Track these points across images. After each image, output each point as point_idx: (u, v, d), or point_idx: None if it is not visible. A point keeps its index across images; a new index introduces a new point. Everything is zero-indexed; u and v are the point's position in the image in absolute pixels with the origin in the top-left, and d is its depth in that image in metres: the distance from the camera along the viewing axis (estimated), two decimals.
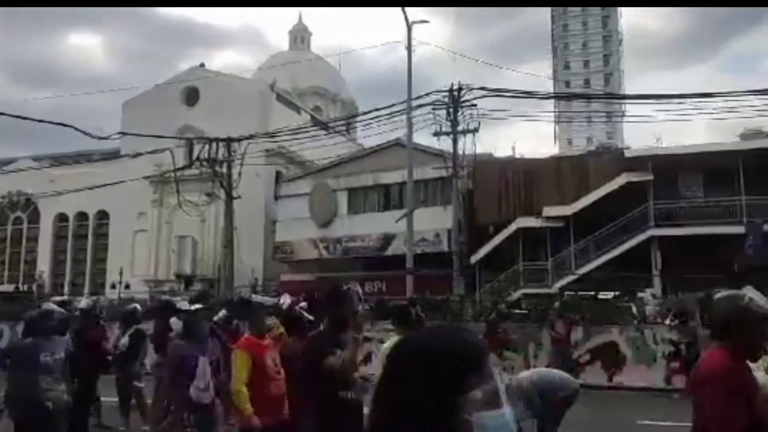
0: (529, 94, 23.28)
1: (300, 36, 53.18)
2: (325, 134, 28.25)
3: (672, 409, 8.86)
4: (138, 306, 9.54)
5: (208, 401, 5.18)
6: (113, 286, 30.77)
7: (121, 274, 30.49)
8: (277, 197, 31.12)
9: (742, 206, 21.50)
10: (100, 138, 20.18)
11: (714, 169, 22.10)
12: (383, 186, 27.86)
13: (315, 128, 28.43)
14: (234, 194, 23.44)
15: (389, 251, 26.01)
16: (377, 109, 22.24)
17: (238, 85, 34.81)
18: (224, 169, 23.62)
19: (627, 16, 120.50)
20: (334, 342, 3.62)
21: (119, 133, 24.95)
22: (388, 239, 26.53)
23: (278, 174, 32.70)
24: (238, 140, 23.71)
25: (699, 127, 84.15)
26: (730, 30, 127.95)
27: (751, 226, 20.40)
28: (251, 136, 23.94)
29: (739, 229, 20.63)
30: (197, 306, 5.73)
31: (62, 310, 5.79)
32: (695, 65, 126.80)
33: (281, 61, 44.64)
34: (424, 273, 20.03)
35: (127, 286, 29.69)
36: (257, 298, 5.13)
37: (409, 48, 20.16)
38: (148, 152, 24.45)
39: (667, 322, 13.96)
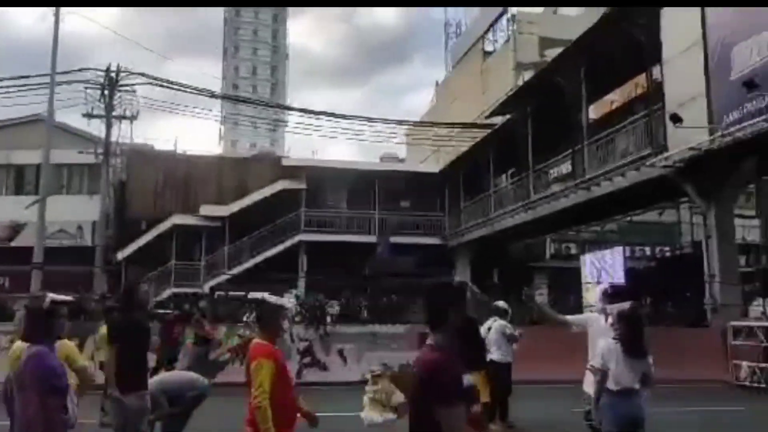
0: (197, 91, 23.12)
1: None
2: None
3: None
4: None
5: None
6: None
7: None
8: None
9: (375, 219, 24.71)
10: None
11: (356, 184, 24.96)
12: (15, 166, 24.38)
13: None
14: None
15: (18, 242, 22.70)
16: (14, 78, 19.36)
17: None
18: None
19: (294, 33, 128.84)
20: (461, 359, 2.68)
21: None
22: (17, 228, 23.12)
23: None
24: None
25: (355, 145, 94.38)
26: (380, 64, 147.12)
27: (381, 237, 23.72)
28: None
29: (372, 239, 23.71)
30: (63, 298, 3.95)
31: None
32: (351, 90, 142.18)
33: None
34: (57, 268, 17.87)
35: None
36: (272, 298, 3.94)
37: (57, 15, 18.39)
38: None
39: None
